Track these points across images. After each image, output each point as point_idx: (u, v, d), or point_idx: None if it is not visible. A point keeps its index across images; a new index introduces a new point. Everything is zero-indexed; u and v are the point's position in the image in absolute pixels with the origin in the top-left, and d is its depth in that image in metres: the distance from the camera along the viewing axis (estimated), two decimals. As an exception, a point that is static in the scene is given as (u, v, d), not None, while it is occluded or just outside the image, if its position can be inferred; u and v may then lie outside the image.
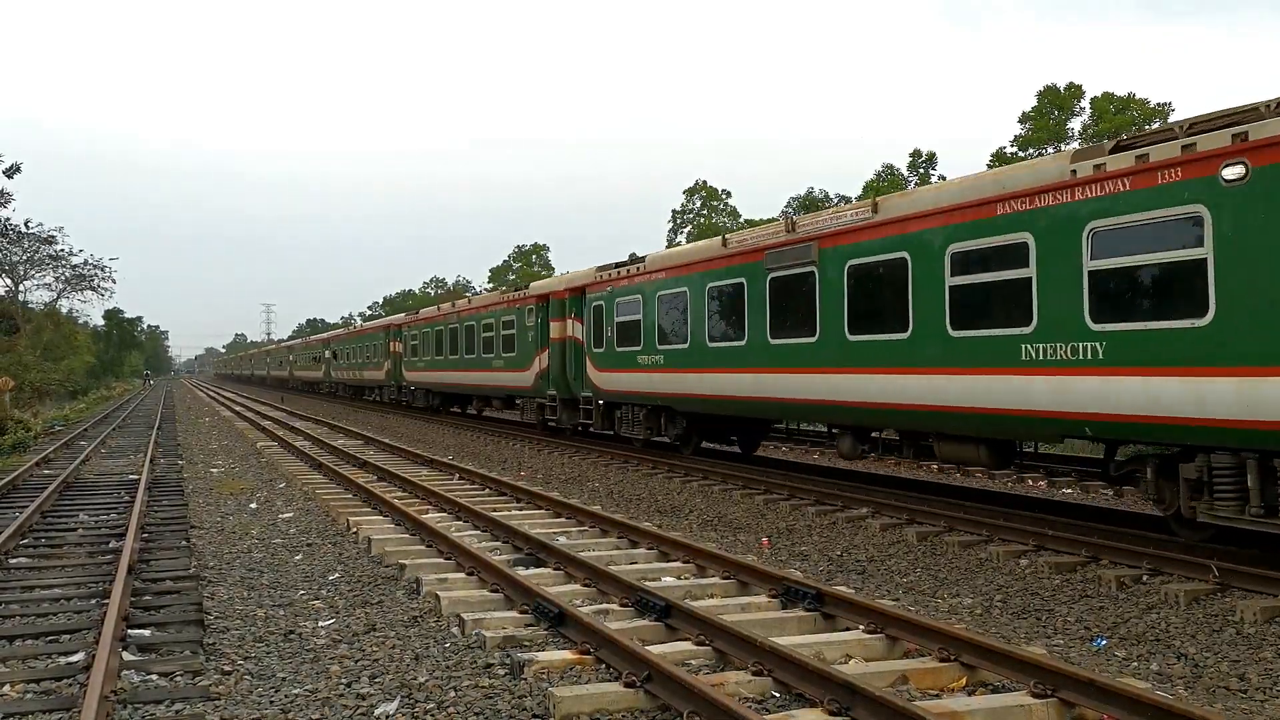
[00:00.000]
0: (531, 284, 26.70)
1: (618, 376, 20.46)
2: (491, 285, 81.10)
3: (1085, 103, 47.42)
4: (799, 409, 15.58)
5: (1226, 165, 9.03)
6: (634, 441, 21.36)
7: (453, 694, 6.57)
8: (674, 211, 69.03)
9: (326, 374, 59.52)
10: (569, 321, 23.43)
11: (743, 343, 16.01)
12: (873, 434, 14.82)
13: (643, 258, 20.03)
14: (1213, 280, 9.11)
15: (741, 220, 62.78)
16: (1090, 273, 10.27)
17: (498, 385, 28.84)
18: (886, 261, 13.00)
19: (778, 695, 6.48)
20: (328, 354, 59.16)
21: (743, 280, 16.06)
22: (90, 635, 7.96)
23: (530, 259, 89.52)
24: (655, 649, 7.04)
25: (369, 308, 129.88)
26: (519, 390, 27.22)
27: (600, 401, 21.80)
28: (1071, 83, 47.63)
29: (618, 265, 21.28)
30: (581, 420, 22.99)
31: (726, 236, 17.27)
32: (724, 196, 68.00)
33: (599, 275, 21.68)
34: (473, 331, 30.82)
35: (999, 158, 45.99)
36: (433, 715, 6.22)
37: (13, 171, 47.41)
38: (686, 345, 17.69)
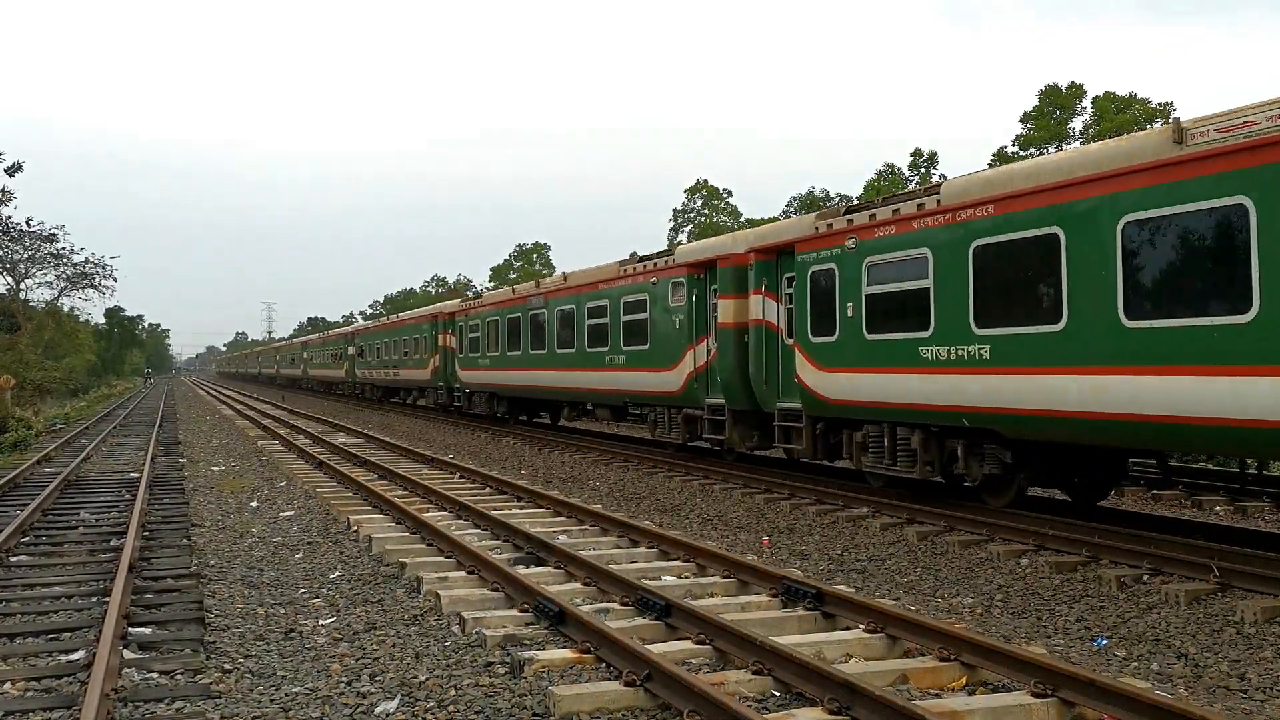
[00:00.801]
0: (678, 248, 19.93)
1: (863, 379, 13.44)
2: (493, 283, 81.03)
3: (1087, 102, 47.51)
4: None
5: None
6: (873, 480, 14.48)
7: (453, 692, 6.57)
8: (675, 210, 69.18)
9: (350, 373, 53.01)
10: (756, 298, 16.13)
11: (1246, 318, 8.77)
12: None
13: (934, 187, 13.24)
14: None
15: (743, 219, 62.77)
16: None
17: (612, 389, 21.35)
18: None
19: (778, 694, 6.48)
20: (352, 350, 52.27)
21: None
22: (91, 633, 7.97)
23: (531, 257, 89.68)
24: (655, 648, 7.04)
25: (369, 306, 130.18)
26: (656, 396, 19.58)
27: (817, 416, 14.75)
28: (1073, 82, 47.72)
29: (858, 208, 14.73)
30: (778, 442, 15.88)
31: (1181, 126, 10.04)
32: (725, 195, 68.07)
33: (821, 226, 14.86)
34: (571, 318, 23.52)
35: (1000, 157, 46.01)
36: (433, 714, 6.22)
37: (14, 170, 47.43)
38: (1058, 328, 10.56)
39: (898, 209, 13.34)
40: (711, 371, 17.45)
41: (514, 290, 29.29)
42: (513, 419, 30.28)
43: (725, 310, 16.91)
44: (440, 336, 35.81)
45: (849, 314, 13.70)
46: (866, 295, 13.39)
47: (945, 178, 41.29)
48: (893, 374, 12.90)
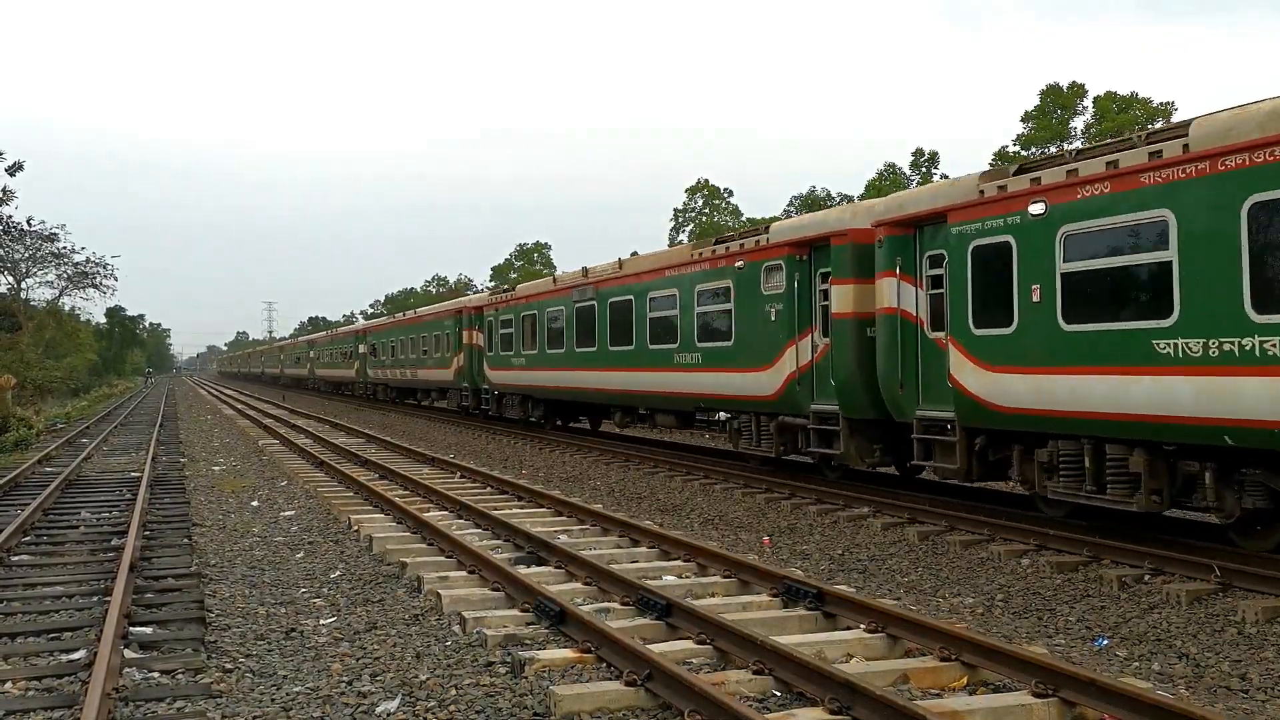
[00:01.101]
0: (774, 225, 16.87)
1: (1056, 382, 10.62)
2: (494, 283, 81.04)
3: (1088, 101, 47.57)
4: None
5: None
6: (1047, 507, 11.72)
7: (454, 692, 6.57)
8: (675, 210, 69.21)
9: (361, 372, 50.35)
10: (887, 282, 13.10)
11: None
12: None
13: (1177, 128, 10.04)
14: None
15: (744, 219, 62.82)
16: None
17: (683, 392, 18.58)
18: None
19: (778, 694, 6.48)
20: (363, 349, 49.59)
21: None
22: (92, 633, 7.97)
23: (532, 257, 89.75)
24: (656, 648, 7.04)
25: (370, 306, 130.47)
26: (743, 401, 16.67)
27: (977, 428, 11.91)
28: (1074, 82, 47.79)
29: (1040, 164, 11.57)
30: (918, 459, 13.10)
31: None
32: (726, 195, 68.11)
33: (989, 189, 11.76)
34: (628, 311, 20.64)
35: (1001, 157, 46.02)
36: (434, 713, 6.22)
37: (15, 169, 47.42)
38: None
39: (1113, 160, 10.26)
40: (819, 371, 14.66)
41: (555, 280, 26.22)
42: (549, 424, 27.50)
43: (842, 298, 14.07)
44: (465, 333, 32.93)
45: (1034, 299, 10.91)
46: (1063, 274, 10.61)
47: (946, 177, 40.68)
48: (1106, 375, 10.07)
